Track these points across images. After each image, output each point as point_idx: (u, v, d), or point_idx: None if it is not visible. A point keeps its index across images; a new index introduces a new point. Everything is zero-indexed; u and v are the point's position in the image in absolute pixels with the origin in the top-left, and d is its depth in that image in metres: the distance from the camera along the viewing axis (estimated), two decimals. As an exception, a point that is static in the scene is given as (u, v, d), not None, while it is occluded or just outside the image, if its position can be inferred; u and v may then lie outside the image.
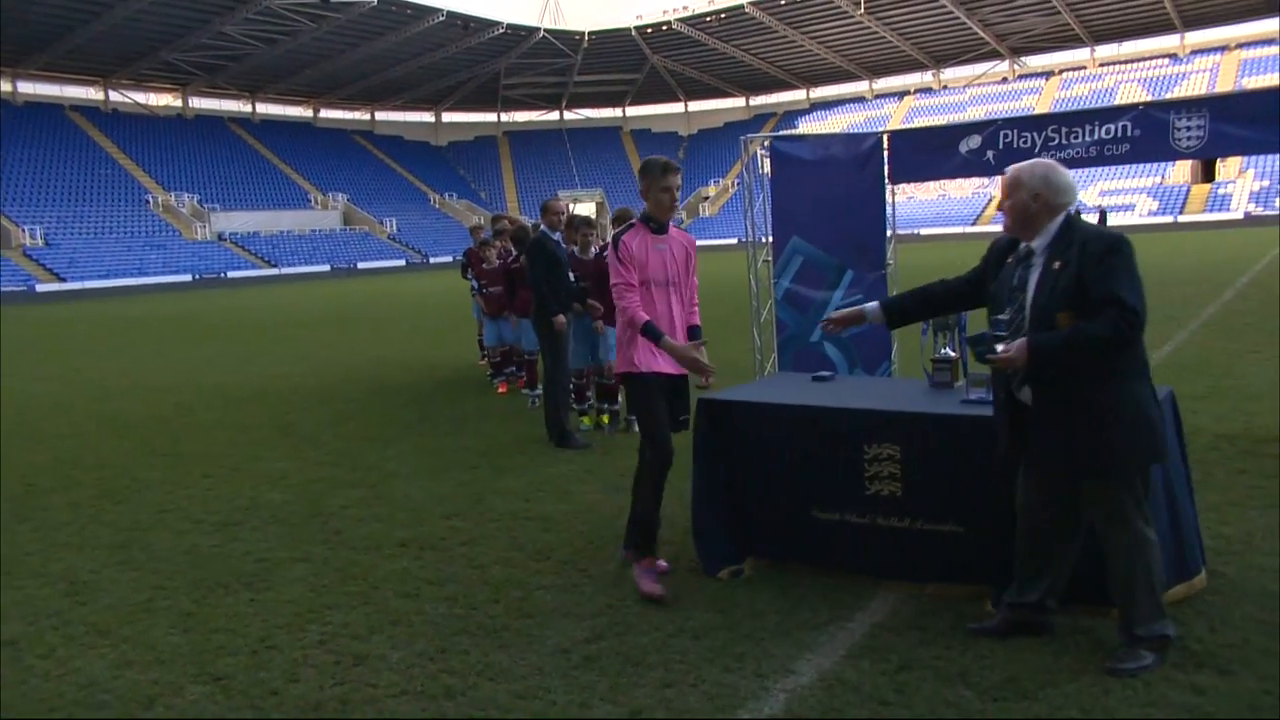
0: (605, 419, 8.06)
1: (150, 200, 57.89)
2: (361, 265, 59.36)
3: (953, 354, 4.43)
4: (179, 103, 68.26)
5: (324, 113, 78.53)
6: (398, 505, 5.91)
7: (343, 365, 13.44)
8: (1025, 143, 6.67)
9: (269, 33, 58.48)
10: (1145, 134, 6.38)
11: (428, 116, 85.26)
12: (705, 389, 4.34)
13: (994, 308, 3.48)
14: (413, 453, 7.40)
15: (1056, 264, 3.24)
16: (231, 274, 51.86)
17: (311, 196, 66.83)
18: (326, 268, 57.48)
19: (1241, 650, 3.37)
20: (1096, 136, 6.50)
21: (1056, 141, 6.59)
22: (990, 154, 6.79)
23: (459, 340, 15.56)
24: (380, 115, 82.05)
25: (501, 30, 67.59)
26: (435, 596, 4.33)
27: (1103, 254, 3.17)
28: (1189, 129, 6.26)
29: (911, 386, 4.72)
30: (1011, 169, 3.44)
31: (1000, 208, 3.49)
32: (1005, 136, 6.75)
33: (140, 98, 66.85)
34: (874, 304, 3.97)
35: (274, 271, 54.73)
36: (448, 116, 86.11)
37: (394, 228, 66.64)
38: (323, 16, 57.22)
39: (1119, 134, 6.46)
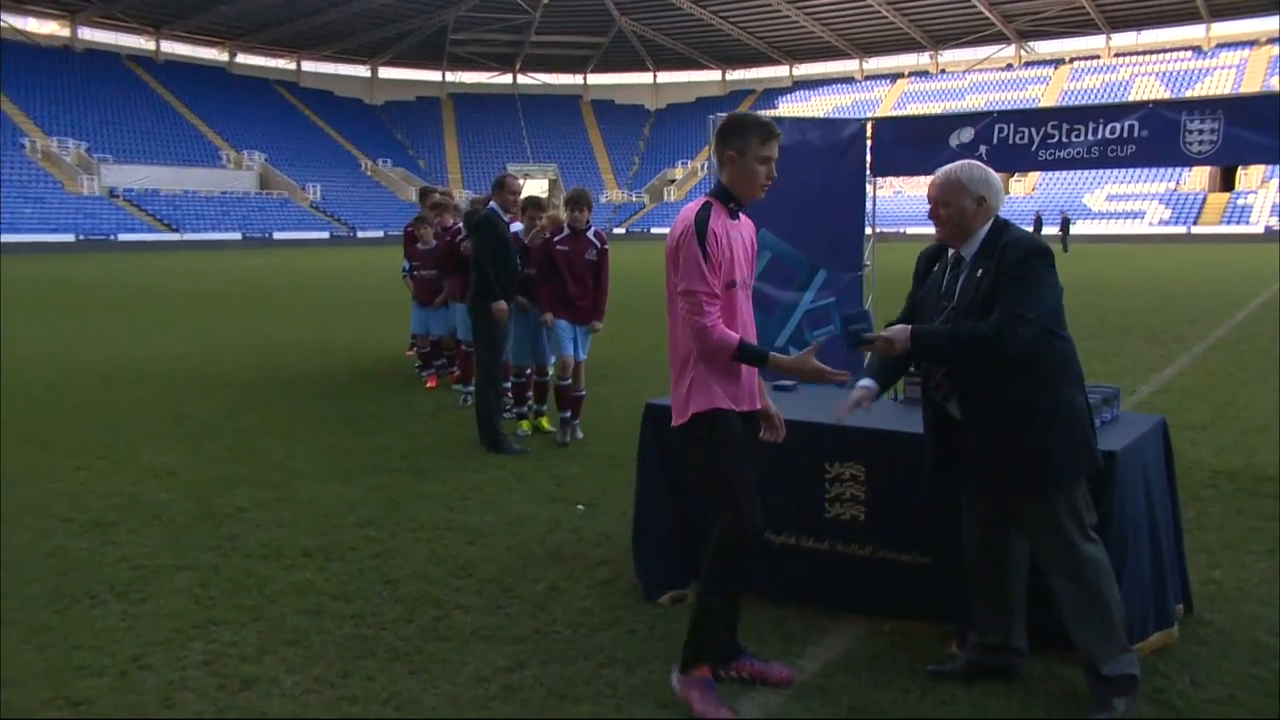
0: (544, 422, 8.07)
1: (27, 144, 56.54)
2: (278, 235, 58.68)
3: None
4: (66, 32, 66.57)
5: (241, 57, 77.41)
6: (303, 509, 5.87)
7: (249, 348, 13.29)
8: (1022, 138, 6.84)
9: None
10: (1154, 135, 6.57)
11: (362, 70, 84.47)
12: (774, 442, 3.78)
13: (921, 317, 3.61)
14: (324, 451, 7.36)
15: (980, 271, 3.42)
16: (123, 236, 50.93)
17: (223, 153, 65.84)
18: (237, 235, 56.74)
19: (1227, 707, 3.48)
20: (1100, 136, 6.68)
21: (1056, 139, 6.76)
22: (984, 149, 6.94)
23: (385, 326, 15.46)
24: (307, 65, 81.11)
25: (450, -23, 67.31)
26: (340, 614, 4.32)
27: (1016, 261, 3.34)
28: (1201, 132, 6.45)
29: (880, 402, 4.80)
30: (945, 172, 3.55)
31: (932, 215, 3.59)
32: (1000, 131, 6.91)
33: (19, 22, 64.93)
34: (867, 380, 3.80)
35: (174, 236, 53.87)
36: (385, 72, 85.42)
37: (318, 195, 65.92)
38: (244, -54, 56.39)
39: (1125, 134, 6.64)
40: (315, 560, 5.01)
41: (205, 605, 4.42)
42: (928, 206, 3.62)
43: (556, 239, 7.59)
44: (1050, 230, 45.80)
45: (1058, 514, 3.41)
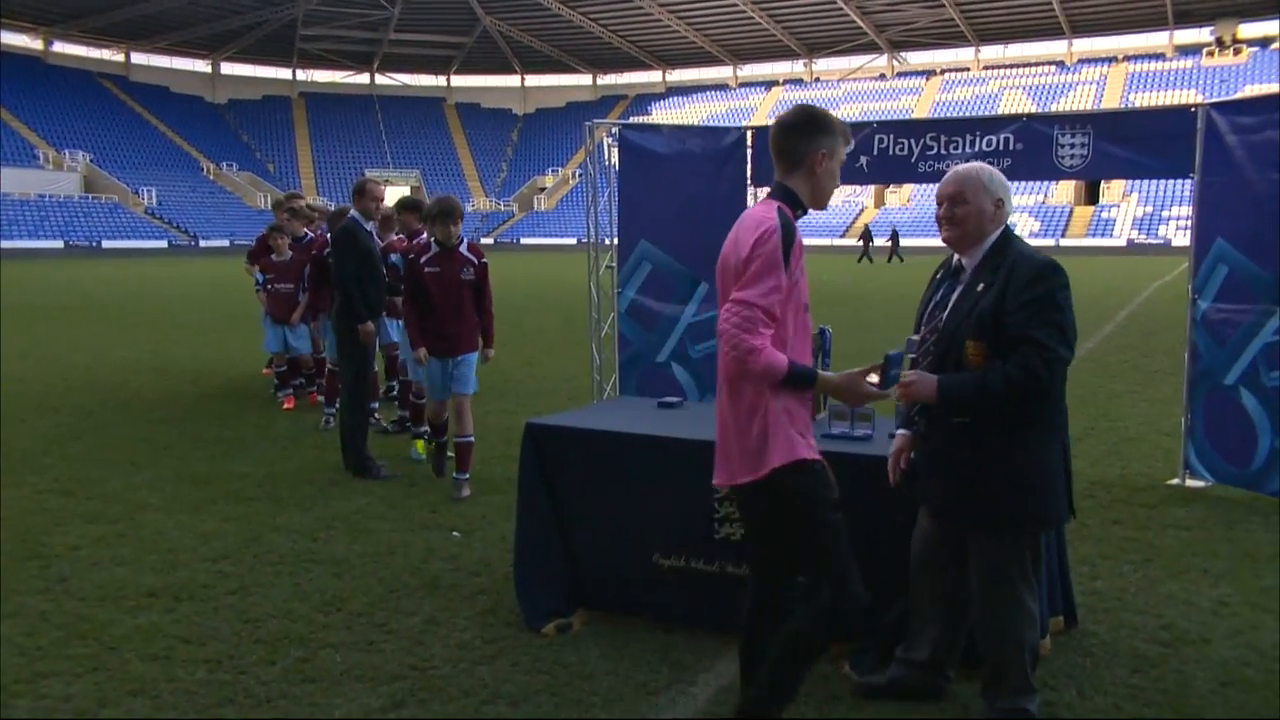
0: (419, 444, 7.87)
1: None
2: (108, 244, 56.07)
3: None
4: None
5: (60, 46, 73.63)
6: (147, 545, 5.62)
7: (78, 367, 12.64)
8: (902, 149, 7.10)
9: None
10: (1028, 149, 6.93)
11: (202, 66, 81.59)
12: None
13: (915, 325, 3.62)
14: (170, 480, 7.06)
15: (980, 285, 3.35)
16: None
17: (40, 153, 62.51)
18: (59, 244, 53.97)
19: (1111, 716, 3.68)
20: (978, 148, 7.00)
21: (935, 150, 7.06)
22: (864, 160, 7.18)
23: (235, 343, 14.94)
24: (138, 58, 77.84)
25: (301, -33, 65.83)
26: (192, 658, 4.15)
27: (1028, 282, 3.25)
28: (1073, 146, 6.84)
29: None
30: (964, 168, 3.50)
31: (941, 217, 3.53)
32: (880, 141, 7.16)
33: None
34: (903, 430, 3.73)
35: (-16, 244, 50.90)
36: (228, 68, 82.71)
37: (153, 200, 63.26)
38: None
39: (1001, 147, 6.99)
40: (162, 601, 4.79)
41: (32, 657, 4.16)
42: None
43: (424, 259, 6.64)
44: (881, 242, 48.09)
45: (1006, 557, 3.42)
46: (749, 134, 7.64)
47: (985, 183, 3.43)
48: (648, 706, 3.76)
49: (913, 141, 7.14)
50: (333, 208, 10.48)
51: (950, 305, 3.44)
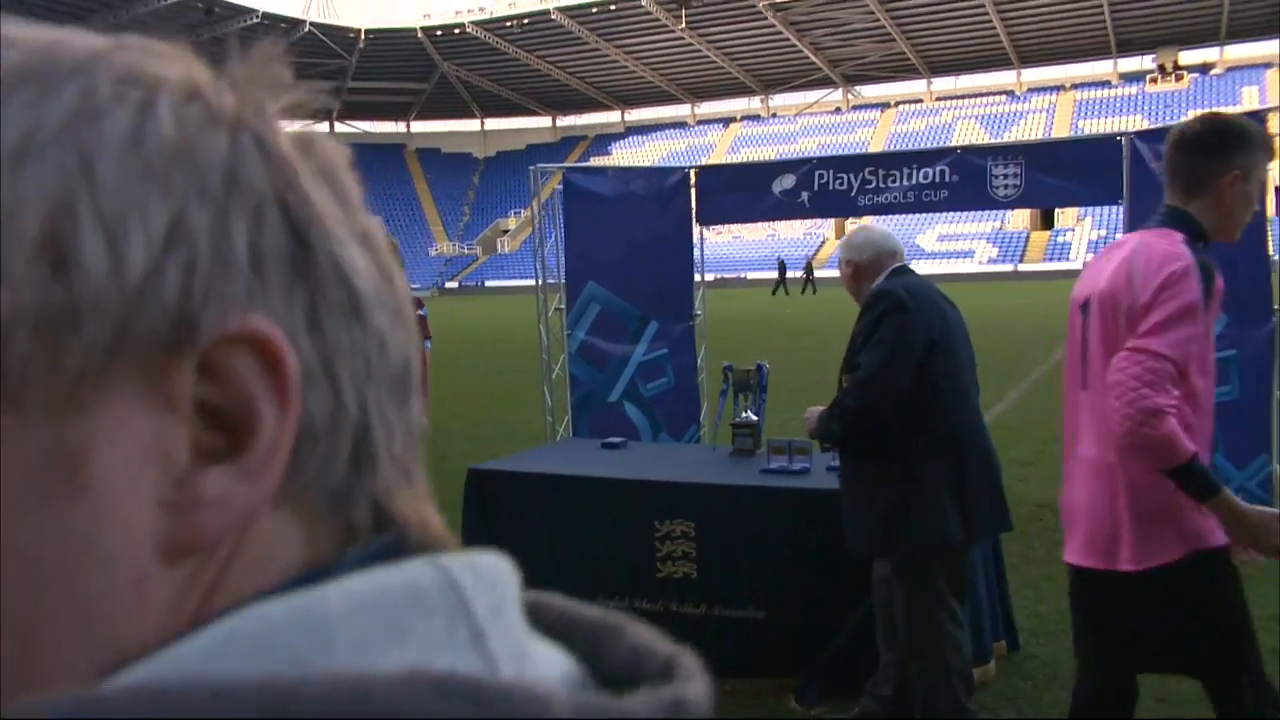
0: None
1: None
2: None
3: (754, 417, 4.70)
4: None
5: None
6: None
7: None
8: (841, 184, 7.22)
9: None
10: (964, 180, 7.06)
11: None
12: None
13: None
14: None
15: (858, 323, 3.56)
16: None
17: None
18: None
19: (1051, 739, 3.73)
20: (915, 181, 7.13)
21: (874, 184, 7.17)
22: (805, 195, 7.29)
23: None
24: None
25: (256, 20, 65.93)
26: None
27: (864, 309, 3.52)
28: (1006, 177, 6.98)
29: (711, 454, 4.97)
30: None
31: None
32: (820, 177, 7.27)
33: None
34: None
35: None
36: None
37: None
38: (21, -12, 53.80)
39: (937, 179, 7.11)
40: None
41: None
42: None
43: None
44: (794, 274, 48.94)
45: (910, 585, 3.50)
46: (692, 173, 7.74)
47: (840, 252, 3.79)
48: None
49: (852, 176, 7.25)
50: None
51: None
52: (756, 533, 4.14)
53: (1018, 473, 8.02)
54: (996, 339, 19.71)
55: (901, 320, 3.35)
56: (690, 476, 4.35)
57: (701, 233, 7.92)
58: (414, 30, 73.10)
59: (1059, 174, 6.83)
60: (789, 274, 48.48)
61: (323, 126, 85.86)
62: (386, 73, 78.21)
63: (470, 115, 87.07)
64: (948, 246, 60.12)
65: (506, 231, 76.38)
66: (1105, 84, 69.90)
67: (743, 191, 7.65)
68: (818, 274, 49.47)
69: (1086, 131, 56.46)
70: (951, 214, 58.11)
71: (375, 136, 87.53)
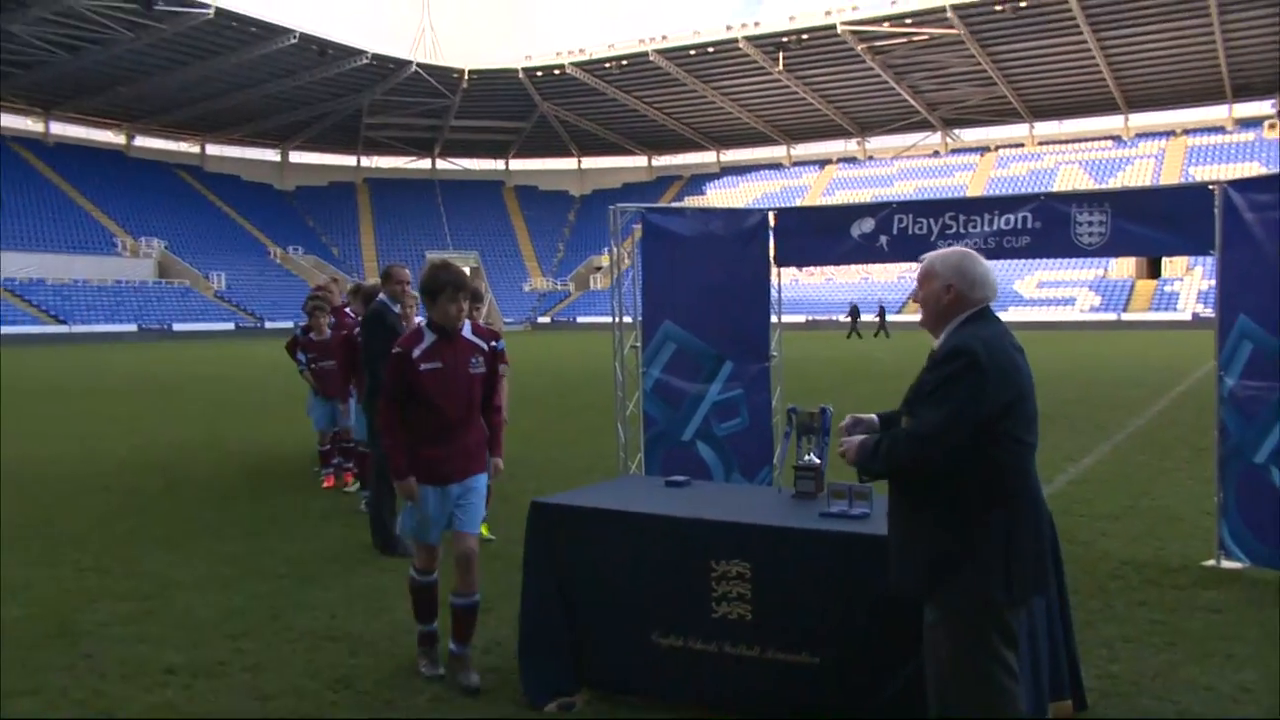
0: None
1: (-103, 232, 55.26)
2: (179, 327, 57.75)
3: (817, 460, 4.68)
4: (-57, 114, 65.60)
5: (141, 140, 77.02)
6: (174, 623, 5.76)
7: (132, 449, 13.01)
8: (921, 229, 7.17)
9: (72, 38, 57.09)
10: (1046, 226, 6.96)
11: (272, 155, 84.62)
12: None
13: None
14: (203, 558, 7.23)
15: (926, 365, 3.47)
16: (4, 329, 49.60)
17: (118, 240, 64.98)
18: (133, 327, 55.69)
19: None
20: (996, 227, 7.05)
21: (954, 230, 7.11)
22: (884, 239, 7.26)
23: (281, 423, 15.27)
24: (213, 149, 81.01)
25: (366, 60, 68.17)
26: (201, 734, 4.24)
27: (937, 362, 3.40)
28: (1091, 224, 6.85)
29: (773, 496, 4.95)
30: (926, 257, 3.65)
31: (915, 299, 3.72)
32: (900, 221, 7.24)
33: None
34: (874, 417, 3.89)
35: (60, 329, 52.67)
36: (296, 156, 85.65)
37: (222, 284, 65.22)
38: (143, 25, 56.22)
39: (1019, 225, 7.02)
40: (180, 678, 4.90)
41: (50, 732, 4.29)
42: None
43: (416, 351, 4.80)
44: (869, 317, 48.26)
45: (960, 637, 3.38)
46: (771, 216, 7.77)
47: (937, 269, 3.56)
48: (638, 787, 3.76)
49: (932, 221, 7.20)
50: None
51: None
52: (814, 577, 4.11)
53: (1100, 528, 7.80)
54: (1092, 390, 19.18)
55: (977, 384, 3.28)
56: (749, 517, 4.35)
57: (780, 274, 7.92)
58: (515, 71, 74.65)
59: (1147, 222, 6.69)
60: (863, 316, 48.12)
61: (424, 163, 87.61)
62: (488, 111, 79.94)
63: (568, 154, 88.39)
64: (1047, 294, 58.71)
65: (600, 268, 77.05)
66: (1219, 129, 67.79)
67: (821, 234, 7.65)
68: (911, 318, 48.78)
69: (1197, 179, 54.80)
70: (1052, 261, 56.80)
71: (475, 173, 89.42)
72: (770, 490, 5.33)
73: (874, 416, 3.87)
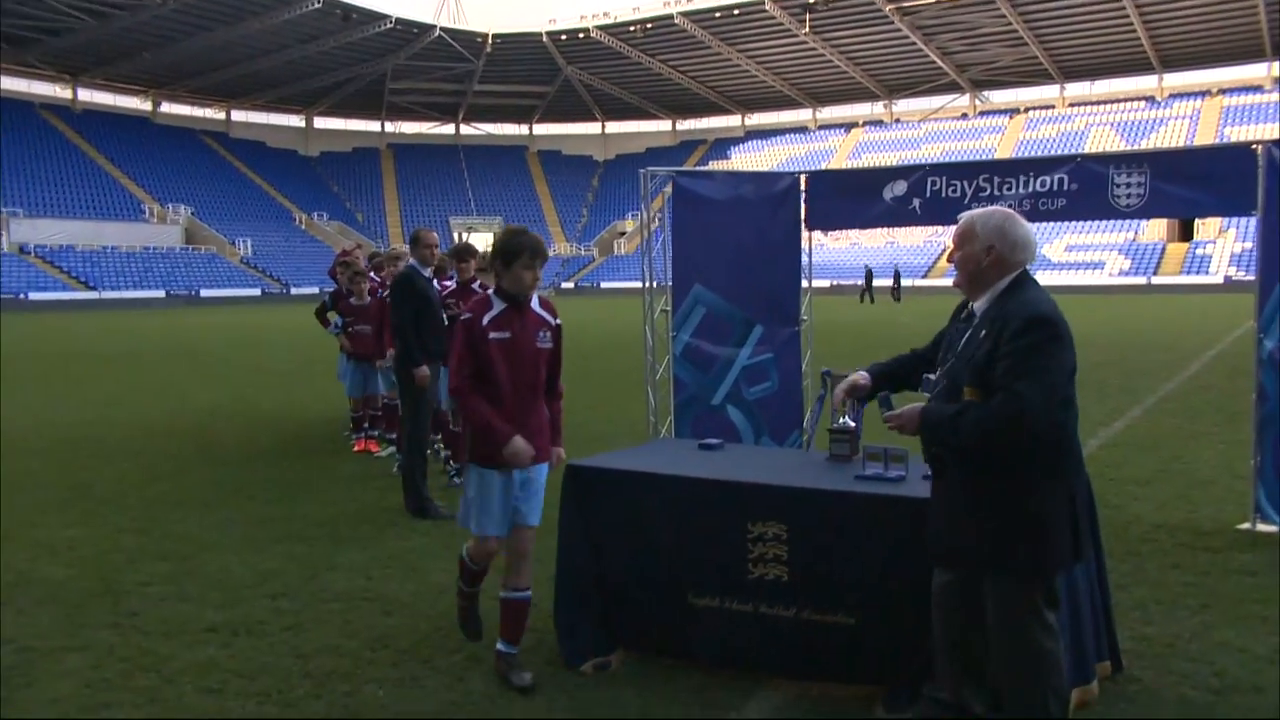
0: None
1: (-71, 198, 55.84)
2: (205, 293, 58.19)
3: (853, 424, 4.67)
4: (-28, 79, 66.02)
5: (166, 107, 77.25)
6: (211, 582, 5.84)
7: (165, 413, 13.16)
8: (954, 191, 7.10)
9: (99, 4, 57.24)
10: (1083, 189, 6.87)
11: (296, 120, 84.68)
12: None
13: (935, 366, 3.69)
14: (238, 521, 7.32)
15: (984, 332, 3.40)
16: (35, 295, 50.17)
17: (146, 207, 65.40)
18: (161, 293, 56.18)
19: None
20: (1031, 189, 6.96)
21: (988, 192, 7.03)
22: (916, 202, 7.19)
23: (313, 388, 15.39)
24: (238, 115, 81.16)
25: (390, 25, 67.97)
26: (243, 692, 4.31)
27: (1017, 332, 3.27)
28: (1129, 186, 6.76)
29: (807, 458, 4.95)
30: (965, 216, 3.58)
31: (950, 259, 3.65)
32: (933, 184, 7.17)
33: (-81, 69, 64.24)
34: (864, 373, 4.03)
35: (91, 295, 53.20)
36: (321, 122, 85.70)
37: (248, 250, 65.59)
38: (170, -9, 56.28)
39: (1055, 187, 6.94)
40: (220, 635, 4.98)
41: (96, 688, 4.37)
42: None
43: (486, 318, 4.39)
44: (883, 282, 48.05)
45: (1012, 602, 3.42)
46: (802, 179, 7.71)
47: (977, 229, 3.50)
48: (675, 745, 3.80)
49: (965, 183, 7.13)
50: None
51: (959, 349, 3.49)
52: (850, 538, 4.11)
53: (1132, 491, 7.77)
54: (1123, 354, 19.01)
55: (1063, 353, 3.29)
56: (784, 480, 4.35)
57: (812, 238, 7.87)
58: (539, 34, 74.26)
59: (1186, 183, 6.59)
60: (876, 281, 48.01)
61: (448, 128, 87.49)
62: (511, 76, 79.61)
63: (591, 118, 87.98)
64: (1076, 257, 58.11)
65: (623, 234, 76.92)
66: (1257, 89, 66.48)
67: (853, 197, 7.60)
68: (936, 283, 48.45)
69: (1233, 139, 53.95)
70: (1081, 224, 56.13)
71: (499, 138, 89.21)
72: (804, 453, 5.33)
73: (863, 374, 3.98)
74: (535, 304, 4.50)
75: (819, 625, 4.21)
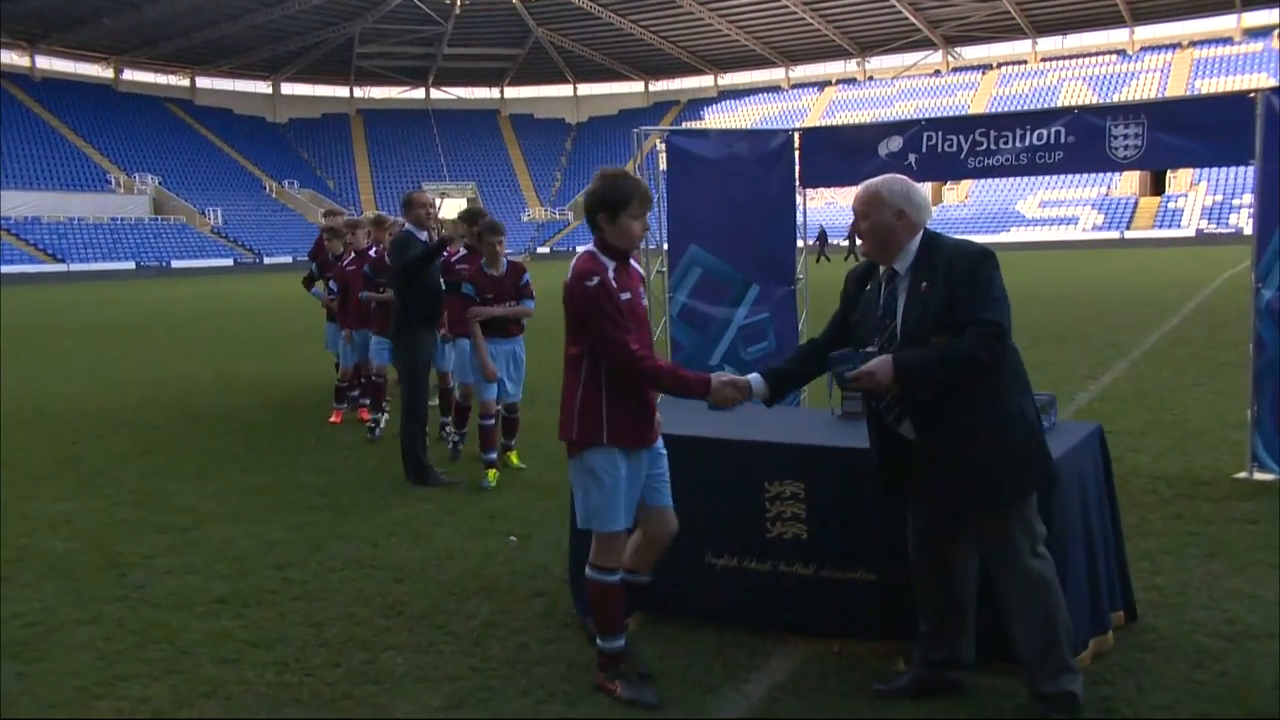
0: (513, 458, 7.82)
1: (-114, 171, 54.75)
2: (176, 264, 57.48)
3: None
4: (-72, 49, 64.57)
5: (129, 74, 75.79)
6: (216, 554, 5.80)
7: (148, 384, 13.02)
8: (951, 146, 7.07)
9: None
10: (1080, 141, 6.85)
11: (264, 87, 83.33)
12: None
13: (859, 340, 3.68)
14: (236, 491, 7.26)
15: (923, 285, 3.50)
16: (4, 269, 49.38)
17: (112, 177, 64.34)
18: (131, 265, 55.46)
19: (1172, 712, 3.64)
20: (1028, 142, 6.94)
21: (985, 146, 7.01)
22: (913, 158, 7.16)
23: (297, 357, 15.26)
24: (203, 82, 79.74)
25: (357, -14, 66.87)
26: (260, 661, 4.28)
27: (969, 270, 3.46)
28: (1126, 137, 6.75)
29: (818, 417, 4.95)
30: (866, 185, 3.68)
31: (855, 230, 3.72)
32: (929, 139, 7.14)
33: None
34: (756, 375, 3.89)
35: (59, 268, 52.45)
36: (288, 88, 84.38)
37: (219, 219, 64.76)
38: (130, -44, 55.09)
39: (1052, 140, 6.92)
40: (231, 606, 4.95)
41: (111, 661, 4.33)
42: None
43: (613, 279, 4.10)
44: (839, 241, 48.29)
45: (1010, 530, 3.51)
46: (796, 136, 7.65)
47: (885, 196, 3.61)
48: (701, 705, 3.80)
49: (961, 138, 7.10)
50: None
51: (900, 310, 3.56)
52: (868, 495, 4.11)
53: (1128, 444, 7.82)
54: (1103, 309, 19.15)
55: (1001, 278, 3.52)
56: (800, 438, 4.35)
57: (806, 195, 7.83)
58: (509, -5, 73.28)
59: (1184, 133, 6.58)
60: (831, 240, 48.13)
61: (418, 93, 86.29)
62: (481, 38, 78.57)
63: (563, 81, 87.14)
64: (1050, 213, 58.35)
65: (598, 197, 76.31)
66: (1227, 40, 66.62)
67: (848, 154, 7.55)
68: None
69: (1204, 92, 54.11)
70: (1054, 179, 56.32)
71: (470, 102, 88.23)
72: (816, 411, 5.32)
73: (753, 377, 3.87)
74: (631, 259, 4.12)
75: (839, 583, 4.21)
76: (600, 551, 3.89)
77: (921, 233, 3.61)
